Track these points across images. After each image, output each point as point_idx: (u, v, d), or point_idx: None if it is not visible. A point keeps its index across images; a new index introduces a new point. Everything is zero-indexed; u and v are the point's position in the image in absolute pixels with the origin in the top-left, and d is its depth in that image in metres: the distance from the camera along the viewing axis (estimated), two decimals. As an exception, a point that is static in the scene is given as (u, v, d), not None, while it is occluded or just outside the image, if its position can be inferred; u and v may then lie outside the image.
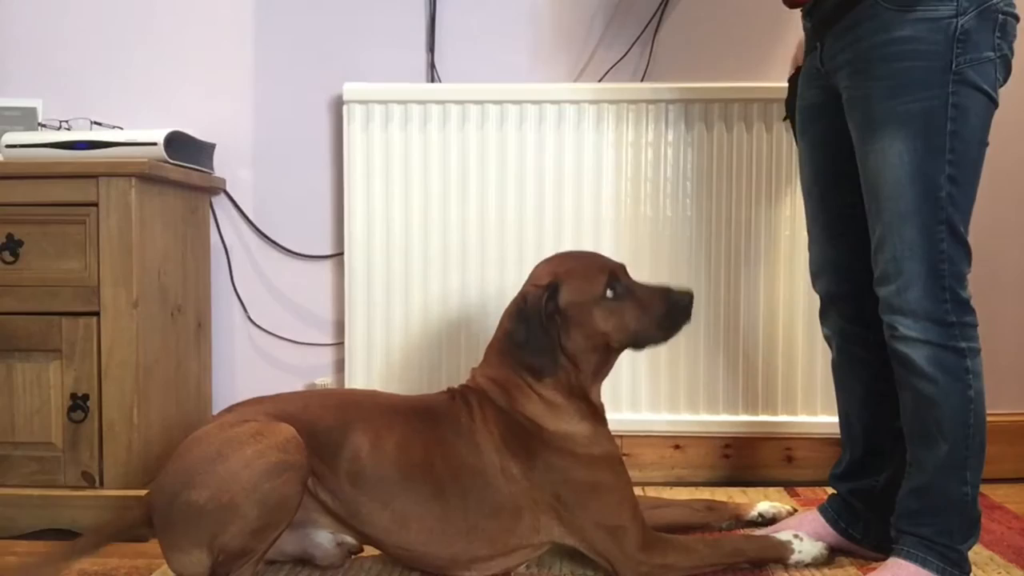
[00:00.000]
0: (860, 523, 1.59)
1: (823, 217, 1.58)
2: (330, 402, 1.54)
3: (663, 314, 1.52)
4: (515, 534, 1.49)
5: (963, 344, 1.35)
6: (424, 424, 1.53)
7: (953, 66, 1.31)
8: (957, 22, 1.31)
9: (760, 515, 1.75)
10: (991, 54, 1.33)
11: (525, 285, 1.59)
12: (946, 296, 1.34)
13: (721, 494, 1.95)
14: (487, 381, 1.56)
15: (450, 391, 1.61)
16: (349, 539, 1.56)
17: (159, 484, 1.42)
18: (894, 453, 1.56)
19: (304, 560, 1.57)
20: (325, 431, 1.48)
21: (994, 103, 1.36)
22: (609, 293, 1.52)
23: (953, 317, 1.34)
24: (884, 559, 1.44)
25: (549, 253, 2.05)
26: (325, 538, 1.54)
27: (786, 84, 1.70)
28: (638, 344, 1.55)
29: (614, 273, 1.54)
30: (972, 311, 1.37)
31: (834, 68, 1.45)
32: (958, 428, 1.35)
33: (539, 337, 1.49)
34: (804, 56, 1.58)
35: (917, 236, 1.33)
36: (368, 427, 1.49)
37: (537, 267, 1.61)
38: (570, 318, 1.51)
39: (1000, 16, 1.33)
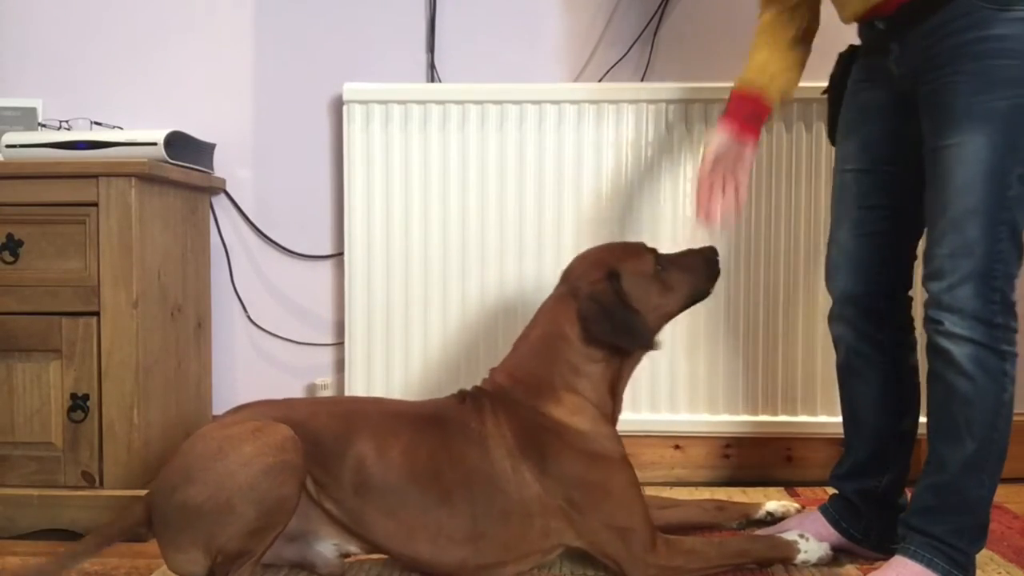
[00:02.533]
0: (861, 523, 1.59)
1: (856, 214, 1.57)
2: (337, 410, 1.53)
3: (703, 268, 1.63)
4: (526, 540, 1.47)
5: (1005, 347, 1.35)
6: (432, 431, 1.51)
7: None
8: None
9: (769, 514, 1.74)
10: None
11: (567, 283, 1.59)
12: (996, 297, 1.33)
13: (721, 494, 1.94)
14: (510, 379, 1.55)
15: (461, 394, 1.60)
16: (353, 549, 1.52)
17: (159, 481, 1.41)
18: (898, 455, 1.56)
19: (303, 566, 1.55)
20: (331, 439, 1.46)
21: None
22: (658, 268, 1.58)
23: (1000, 319, 1.34)
24: (885, 559, 1.43)
25: (549, 252, 2.07)
26: (327, 547, 1.52)
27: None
28: (687, 305, 1.63)
29: (654, 251, 1.61)
30: (1015, 315, 1.36)
31: (912, 67, 1.43)
32: (987, 429, 1.35)
33: (626, 317, 1.52)
34: (862, 56, 1.56)
35: (979, 234, 1.33)
36: (373, 435, 1.48)
37: (577, 262, 1.62)
38: (633, 300, 1.54)
39: None
